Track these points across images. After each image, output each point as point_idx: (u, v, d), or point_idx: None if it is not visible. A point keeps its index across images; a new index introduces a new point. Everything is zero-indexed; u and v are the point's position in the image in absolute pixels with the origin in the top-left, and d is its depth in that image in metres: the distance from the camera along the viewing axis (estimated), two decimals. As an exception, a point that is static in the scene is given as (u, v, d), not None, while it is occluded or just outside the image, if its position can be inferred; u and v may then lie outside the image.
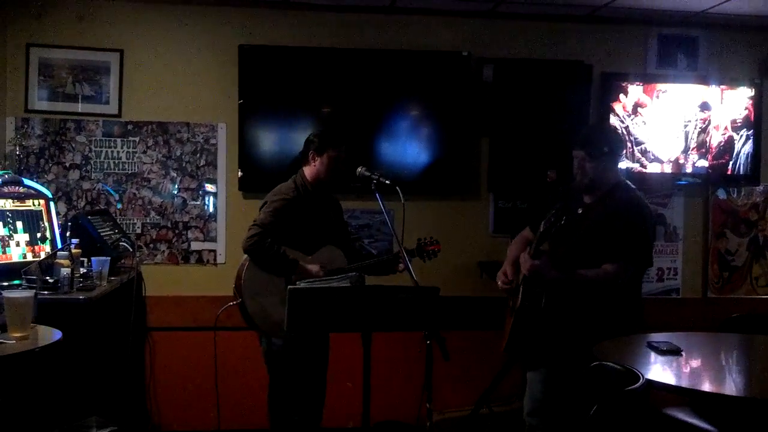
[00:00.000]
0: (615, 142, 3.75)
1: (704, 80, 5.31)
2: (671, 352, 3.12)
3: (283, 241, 3.82)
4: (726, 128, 5.29)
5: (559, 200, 3.62)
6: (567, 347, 3.51)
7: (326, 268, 3.89)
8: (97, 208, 4.77)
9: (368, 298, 3.01)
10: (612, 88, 5.17)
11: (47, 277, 3.56)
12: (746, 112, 5.31)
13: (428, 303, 3.07)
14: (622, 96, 5.18)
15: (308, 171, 3.99)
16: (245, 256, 3.87)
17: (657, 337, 3.32)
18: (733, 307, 5.25)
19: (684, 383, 2.90)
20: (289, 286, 3.02)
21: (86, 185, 4.86)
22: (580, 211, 3.65)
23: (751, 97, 5.31)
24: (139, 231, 4.90)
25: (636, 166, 5.18)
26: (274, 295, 3.77)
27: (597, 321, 3.49)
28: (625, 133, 5.13)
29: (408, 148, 5.08)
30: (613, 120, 5.15)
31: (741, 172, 5.31)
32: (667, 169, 5.24)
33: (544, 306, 3.51)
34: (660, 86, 5.23)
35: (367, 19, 5.06)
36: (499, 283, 3.78)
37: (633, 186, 3.75)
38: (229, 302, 3.89)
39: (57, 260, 3.64)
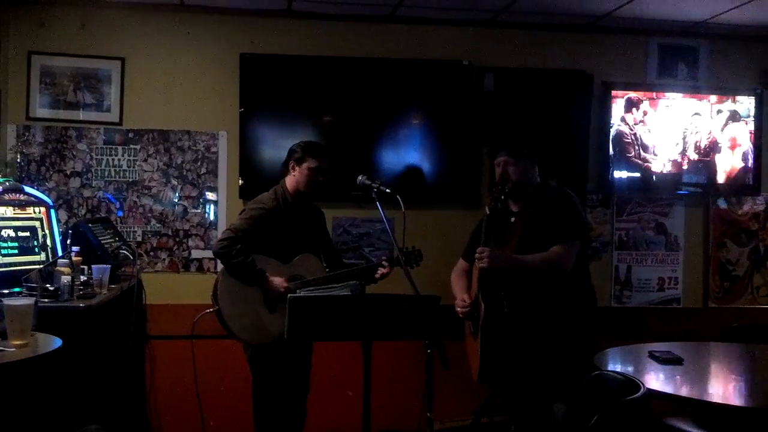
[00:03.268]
0: (533, 145, 3.94)
1: (705, 90, 5.32)
2: (672, 361, 3.11)
3: (260, 248, 3.85)
4: (726, 138, 5.29)
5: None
6: (540, 353, 3.54)
7: (298, 278, 3.88)
8: (98, 216, 4.77)
9: (368, 307, 3.01)
10: (612, 98, 5.17)
11: (47, 285, 3.55)
12: (747, 121, 5.31)
13: (429, 311, 3.07)
14: (622, 105, 5.18)
15: (288, 181, 4.00)
16: None
17: (658, 346, 3.32)
18: (735, 316, 5.27)
19: (685, 393, 2.90)
20: (289, 295, 3.01)
21: (87, 193, 4.87)
22: (512, 220, 3.77)
23: (752, 107, 5.32)
24: (139, 239, 4.90)
25: (636, 175, 5.18)
26: (250, 303, 3.81)
27: (561, 319, 3.58)
28: (633, 140, 5.14)
29: (409, 157, 5.08)
30: (615, 129, 5.15)
31: (742, 181, 5.32)
32: (668, 178, 5.24)
33: (507, 310, 3.53)
34: (660, 96, 5.24)
35: (368, 28, 5.07)
36: (458, 309, 3.82)
37: (554, 184, 3.89)
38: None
39: (57, 268, 3.63)
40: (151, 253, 4.92)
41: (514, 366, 3.60)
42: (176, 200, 4.94)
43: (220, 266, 4.87)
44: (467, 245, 4.07)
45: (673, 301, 5.37)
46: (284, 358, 3.89)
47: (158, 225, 4.93)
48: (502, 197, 3.69)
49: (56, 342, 3.05)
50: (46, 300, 3.48)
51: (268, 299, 3.84)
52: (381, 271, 3.92)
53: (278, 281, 3.84)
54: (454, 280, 4.05)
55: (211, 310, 3.87)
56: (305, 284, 3.83)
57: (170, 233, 4.94)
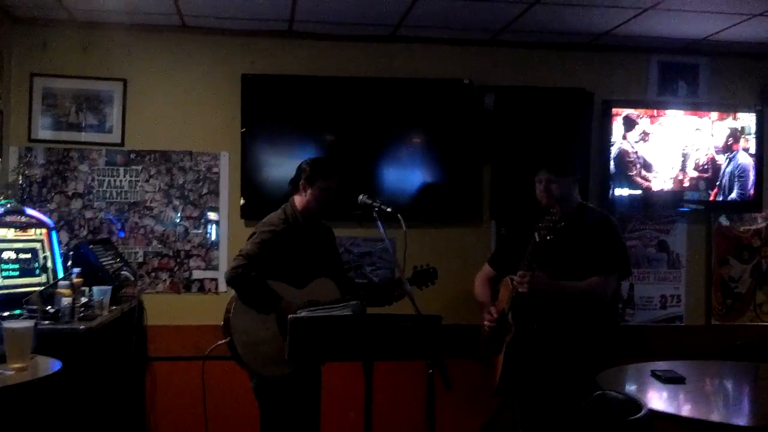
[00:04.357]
0: (574, 163, 3.92)
1: (705, 107, 5.33)
2: (675, 380, 3.10)
3: (272, 273, 3.69)
4: (728, 155, 5.29)
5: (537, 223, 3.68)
6: (563, 374, 3.52)
7: (315, 304, 3.69)
8: (99, 237, 4.76)
9: (370, 327, 3.00)
10: (613, 116, 5.18)
11: (48, 307, 3.56)
12: (748, 138, 5.31)
13: (430, 331, 3.06)
14: (623, 123, 5.19)
15: (298, 200, 3.86)
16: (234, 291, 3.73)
17: (660, 365, 3.30)
18: (738, 334, 5.24)
19: (687, 413, 2.87)
20: (290, 315, 3.00)
21: (89, 214, 4.87)
22: (549, 237, 3.69)
23: (753, 123, 5.32)
24: (141, 260, 4.90)
25: (637, 192, 5.18)
26: (265, 331, 3.63)
27: (590, 342, 3.56)
28: (634, 158, 5.15)
29: (410, 176, 5.09)
30: (618, 147, 5.16)
31: (744, 198, 5.31)
32: (669, 196, 5.24)
33: (537, 331, 3.53)
34: (661, 113, 5.25)
35: (369, 48, 5.10)
36: (486, 323, 3.80)
37: (592, 205, 3.91)
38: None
39: (58, 290, 3.64)
40: (153, 274, 4.91)
41: (533, 384, 3.60)
42: (177, 221, 4.94)
43: (222, 287, 4.92)
44: (495, 252, 4.09)
45: (675, 319, 5.35)
46: (292, 389, 3.74)
47: (159, 246, 4.92)
48: (558, 226, 3.57)
49: (55, 365, 3.04)
50: (46, 322, 3.48)
51: (283, 328, 3.52)
52: (399, 291, 3.81)
53: (296, 307, 3.63)
54: (479, 287, 4.01)
55: (224, 341, 3.69)
56: (336, 302, 3.71)
57: (171, 254, 4.93)
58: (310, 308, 3.51)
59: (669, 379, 3.09)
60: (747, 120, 5.32)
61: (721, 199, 5.29)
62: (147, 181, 4.92)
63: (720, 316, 5.40)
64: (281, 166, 4.91)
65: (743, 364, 3.65)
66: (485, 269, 4.07)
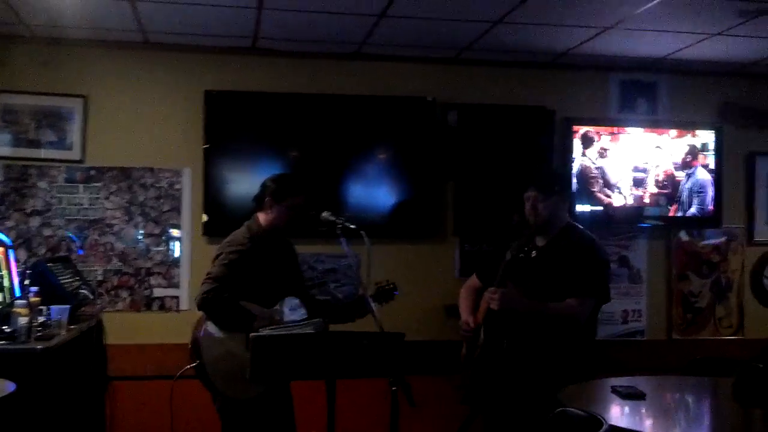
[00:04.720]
0: (564, 182, 3.93)
1: (665, 124, 5.41)
2: (635, 396, 3.11)
3: (240, 294, 3.63)
4: (687, 171, 5.37)
5: (514, 242, 3.69)
6: (529, 391, 3.51)
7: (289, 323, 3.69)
8: (58, 255, 4.68)
9: (332, 345, 2.98)
10: (574, 133, 5.24)
11: (4, 327, 3.48)
12: (707, 155, 5.40)
13: (393, 349, 3.05)
14: (583, 141, 5.25)
15: (263, 218, 3.79)
16: (200, 313, 3.66)
17: (621, 381, 3.31)
18: (698, 348, 5.28)
19: (647, 429, 2.88)
20: (251, 334, 2.97)
21: (47, 232, 4.79)
22: (534, 254, 3.69)
23: (712, 141, 5.41)
24: (100, 278, 4.82)
25: (599, 209, 5.24)
26: (234, 353, 3.55)
27: (559, 362, 3.53)
28: (596, 174, 5.20)
29: (374, 193, 5.09)
30: (579, 164, 5.22)
31: (703, 213, 5.39)
32: (630, 212, 5.30)
33: (506, 348, 3.52)
34: (621, 131, 5.32)
35: (333, 65, 5.10)
36: (461, 331, 3.80)
37: (581, 227, 3.83)
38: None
39: (14, 309, 3.56)
40: (113, 292, 4.84)
41: (497, 398, 3.59)
42: (138, 238, 4.88)
43: (183, 305, 4.86)
44: (482, 264, 4.01)
45: (636, 334, 5.40)
46: (261, 411, 3.65)
47: (120, 263, 4.85)
48: (528, 250, 3.62)
49: (9, 386, 2.96)
50: (1, 342, 3.40)
51: None
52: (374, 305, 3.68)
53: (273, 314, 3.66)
54: (462, 297, 3.98)
55: (192, 365, 3.63)
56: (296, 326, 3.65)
57: (132, 272, 4.87)
58: (274, 326, 3.49)
59: (629, 396, 3.11)
60: (706, 137, 5.41)
61: (680, 214, 5.37)
62: (107, 198, 4.85)
63: (681, 330, 5.46)
64: (244, 182, 4.87)
65: (703, 379, 3.68)
66: (472, 280, 4.03)
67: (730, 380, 3.01)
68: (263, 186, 3.83)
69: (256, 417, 3.67)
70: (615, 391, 3.16)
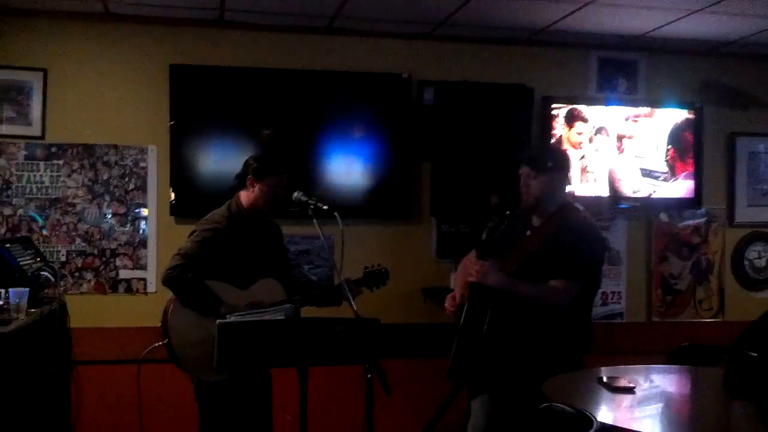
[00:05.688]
0: (560, 159, 3.71)
1: (644, 103, 5.31)
2: (623, 390, 2.99)
3: (214, 273, 3.55)
4: (667, 151, 5.29)
5: (499, 216, 3.54)
6: (510, 372, 3.40)
7: (258, 306, 3.56)
8: (18, 235, 4.49)
9: (304, 331, 2.86)
10: (552, 111, 5.12)
11: (-43, 312, 3.31)
12: (687, 135, 5.31)
13: (368, 335, 2.94)
14: (563, 119, 5.13)
15: (245, 196, 3.72)
16: (170, 294, 3.59)
17: (607, 371, 3.17)
18: (678, 331, 5.28)
19: (639, 426, 2.70)
20: (218, 321, 2.83)
21: (7, 211, 4.59)
22: (528, 233, 3.57)
23: (692, 120, 5.33)
24: (64, 259, 4.64)
25: (577, 190, 5.13)
26: (204, 333, 3.43)
27: (541, 344, 3.41)
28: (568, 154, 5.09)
29: (348, 172, 4.96)
30: (554, 143, 5.10)
31: (683, 195, 5.31)
32: (609, 192, 5.20)
33: (487, 326, 3.40)
34: (601, 109, 5.21)
35: (305, 40, 4.93)
36: (446, 305, 3.66)
37: (581, 207, 3.67)
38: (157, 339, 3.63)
39: (-32, 293, 3.39)
40: (76, 274, 4.66)
41: (483, 379, 3.47)
42: (103, 218, 4.70)
43: (150, 287, 4.72)
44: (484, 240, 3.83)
45: (616, 316, 5.33)
46: (234, 393, 3.58)
47: (84, 244, 4.67)
48: (522, 228, 3.50)
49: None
50: (-46, 328, 3.23)
51: None
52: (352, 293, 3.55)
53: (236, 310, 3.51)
54: (459, 271, 3.78)
55: (161, 343, 3.57)
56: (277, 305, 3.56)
57: (96, 253, 4.69)
58: (242, 312, 3.36)
59: (617, 389, 2.99)
60: (686, 116, 5.32)
61: (660, 196, 5.27)
62: (69, 176, 4.66)
63: (660, 312, 5.39)
64: (213, 160, 4.76)
65: (688, 369, 3.57)
66: (471, 254, 3.84)
67: (718, 369, 2.91)
68: (245, 164, 3.76)
69: (229, 399, 3.59)
70: (602, 382, 3.04)
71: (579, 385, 3.11)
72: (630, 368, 3.41)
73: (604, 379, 3.05)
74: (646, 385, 3.16)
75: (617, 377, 3.07)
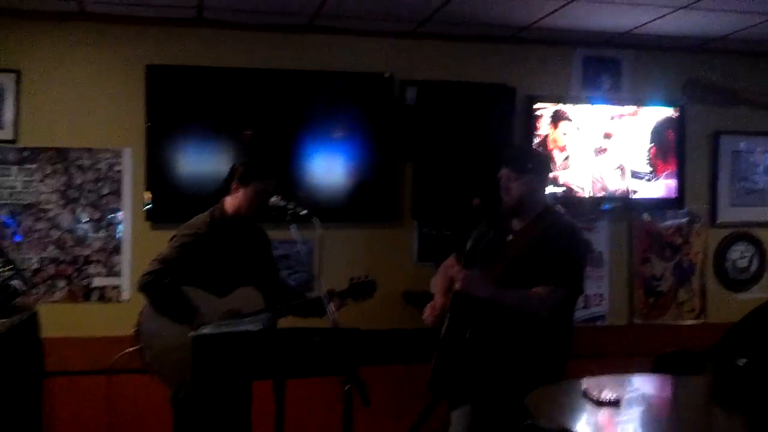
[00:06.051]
0: (540, 161, 3.67)
1: (628, 102, 5.25)
2: (608, 403, 2.92)
3: (192, 279, 3.49)
4: (649, 150, 5.23)
5: (487, 223, 3.48)
6: (492, 382, 3.34)
7: (236, 315, 3.51)
8: (-12, 242, 4.38)
9: (281, 342, 2.79)
10: (535, 111, 5.06)
11: None
12: (669, 133, 5.26)
13: (348, 345, 2.86)
14: (546, 119, 5.07)
15: (229, 202, 3.66)
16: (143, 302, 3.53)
17: (590, 383, 3.09)
18: (660, 333, 5.24)
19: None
20: (191, 333, 2.75)
21: (-23, 217, 4.48)
22: (510, 237, 3.51)
23: (675, 119, 5.28)
24: (36, 266, 4.52)
25: (560, 190, 5.07)
26: (175, 341, 3.37)
27: (523, 353, 3.35)
28: (549, 156, 5.03)
29: (328, 174, 4.87)
30: (537, 143, 5.04)
31: (665, 195, 5.26)
32: (591, 193, 5.15)
33: (468, 336, 3.34)
34: (584, 108, 5.15)
35: (285, 39, 4.83)
36: (426, 315, 3.59)
37: (563, 211, 3.62)
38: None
39: (-66, 304, 3.28)
40: (49, 282, 4.54)
41: (464, 390, 3.42)
42: (76, 224, 4.59)
43: (125, 295, 4.62)
44: (457, 244, 3.77)
45: (598, 319, 5.27)
46: (214, 404, 3.52)
47: (56, 251, 4.55)
48: (503, 233, 3.46)
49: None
50: None
51: None
52: (332, 306, 3.43)
53: (212, 319, 3.45)
54: (438, 277, 3.74)
55: (131, 349, 3.53)
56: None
57: (69, 260, 4.57)
58: (217, 323, 3.28)
59: (602, 403, 2.92)
60: (669, 115, 5.26)
61: (643, 196, 5.22)
62: (42, 180, 4.54)
63: (643, 315, 5.34)
64: (190, 163, 4.66)
65: (673, 379, 3.51)
66: (450, 260, 3.76)
67: (704, 377, 2.84)
68: (231, 169, 3.72)
69: (206, 409, 3.53)
70: (587, 395, 2.96)
71: (562, 399, 3.03)
72: (614, 379, 3.33)
73: (588, 393, 2.98)
74: (631, 397, 3.08)
75: (601, 389, 3.00)
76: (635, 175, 5.21)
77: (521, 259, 3.41)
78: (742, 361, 2.82)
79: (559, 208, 3.66)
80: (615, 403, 2.91)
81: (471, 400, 3.46)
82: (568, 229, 3.50)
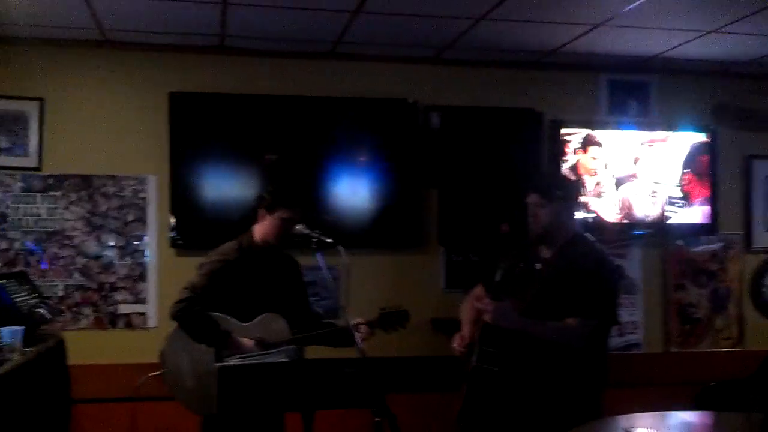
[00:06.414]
0: (569, 188, 3.60)
1: (657, 127, 5.17)
2: None
3: (218, 306, 3.48)
4: (681, 176, 5.13)
5: (515, 251, 3.42)
6: (525, 417, 3.23)
7: (264, 341, 3.49)
8: (13, 270, 4.35)
9: (308, 374, 2.73)
10: (563, 136, 4.98)
11: (-53, 354, 3.18)
12: (702, 159, 5.16)
13: (377, 377, 2.78)
14: (574, 144, 4.99)
15: (257, 230, 3.66)
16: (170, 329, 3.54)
17: (632, 420, 2.95)
18: (697, 361, 5.11)
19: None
20: (217, 364, 2.69)
21: (2, 245, 4.47)
22: (538, 266, 3.42)
23: (707, 144, 5.18)
24: (61, 294, 4.51)
25: (591, 216, 4.98)
26: (188, 367, 3.43)
27: (557, 386, 3.24)
28: (585, 180, 4.96)
29: (353, 200, 4.82)
30: (566, 169, 4.96)
31: (699, 220, 5.15)
32: (623, 219, 5.04)
33: (497, 370, 3.24)
34: (612, 133, 5.07)
35: (307, 65, 4.82)
36: (455, 345, 3.50)
37: (593, 238, 3.52)
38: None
39: (-41, 334, 3.26)
40: (74, 309, 4.52)
41: (495, 422, 3.32)
42: (101, 251, 4.57)
43: (151, 322, 4.60)
44: (485, 272, 3.65)
45: (633, 347, 5.15)
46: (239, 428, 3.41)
47: (82, 278, 4.54)
48: (531, 261, 3.38)
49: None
50: (-57, 372, 3.09)
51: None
52: (359, 336, 3.36)
53: (250, 344, 3.47)
54: (465, 306, 3.63)
55: (153, 374, 3.58)
56: (280, 344, 3.48)
57: (95, 287, 4.55)
58: (243, 354, 3.25)
59: None
60: (700, 140, 5.17)
61: (676, 222, 5.12)
62: (67, 208, 4.54)
63: (678, 342, 5.21)
64: (214, 190, 4.65)
65: (714, 416, 3.38)
66: (477, 290, 3.65)
67: (749, 415, 2.69)
68: (258, 197, 3.74)
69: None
70: None
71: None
72: (655, 416, 3.19)
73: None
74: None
75: (642, 428, 2.84)
76: (668, 200, 5.11)
77: (551, 289, 3.32)
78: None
79: (588, 235, 3.56)
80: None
81: None
82: (598, 258, 3.39)
